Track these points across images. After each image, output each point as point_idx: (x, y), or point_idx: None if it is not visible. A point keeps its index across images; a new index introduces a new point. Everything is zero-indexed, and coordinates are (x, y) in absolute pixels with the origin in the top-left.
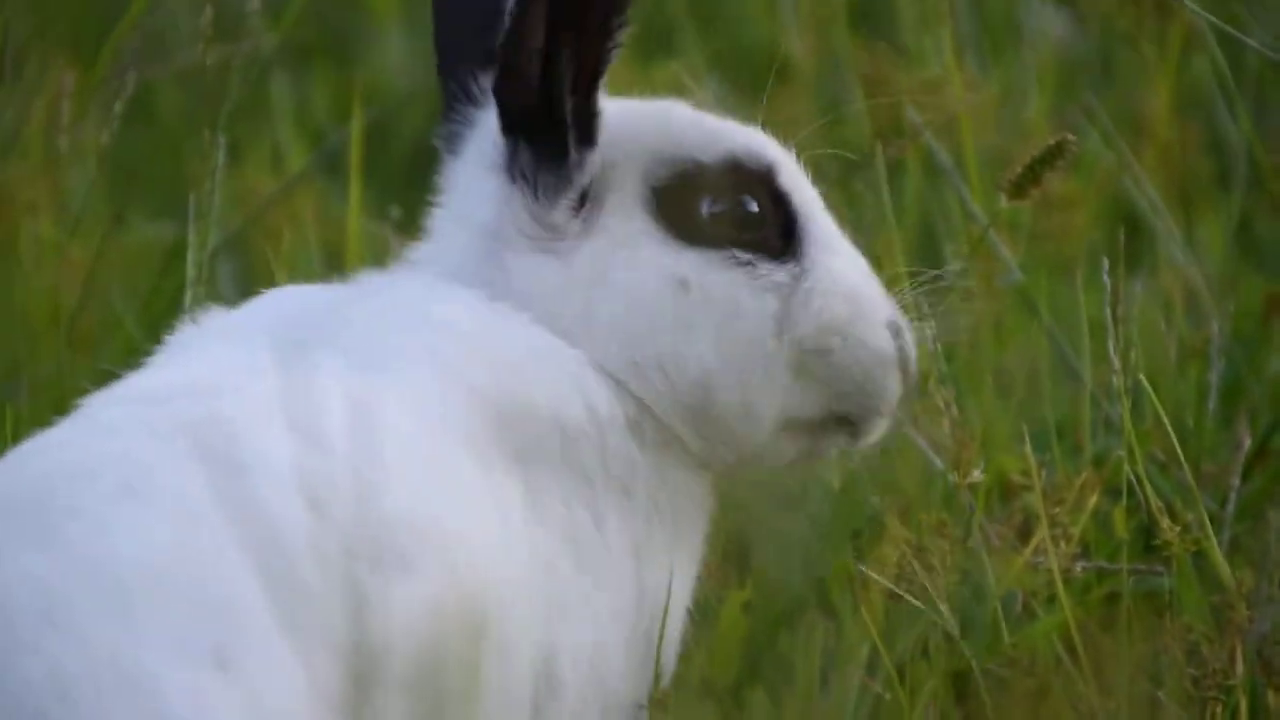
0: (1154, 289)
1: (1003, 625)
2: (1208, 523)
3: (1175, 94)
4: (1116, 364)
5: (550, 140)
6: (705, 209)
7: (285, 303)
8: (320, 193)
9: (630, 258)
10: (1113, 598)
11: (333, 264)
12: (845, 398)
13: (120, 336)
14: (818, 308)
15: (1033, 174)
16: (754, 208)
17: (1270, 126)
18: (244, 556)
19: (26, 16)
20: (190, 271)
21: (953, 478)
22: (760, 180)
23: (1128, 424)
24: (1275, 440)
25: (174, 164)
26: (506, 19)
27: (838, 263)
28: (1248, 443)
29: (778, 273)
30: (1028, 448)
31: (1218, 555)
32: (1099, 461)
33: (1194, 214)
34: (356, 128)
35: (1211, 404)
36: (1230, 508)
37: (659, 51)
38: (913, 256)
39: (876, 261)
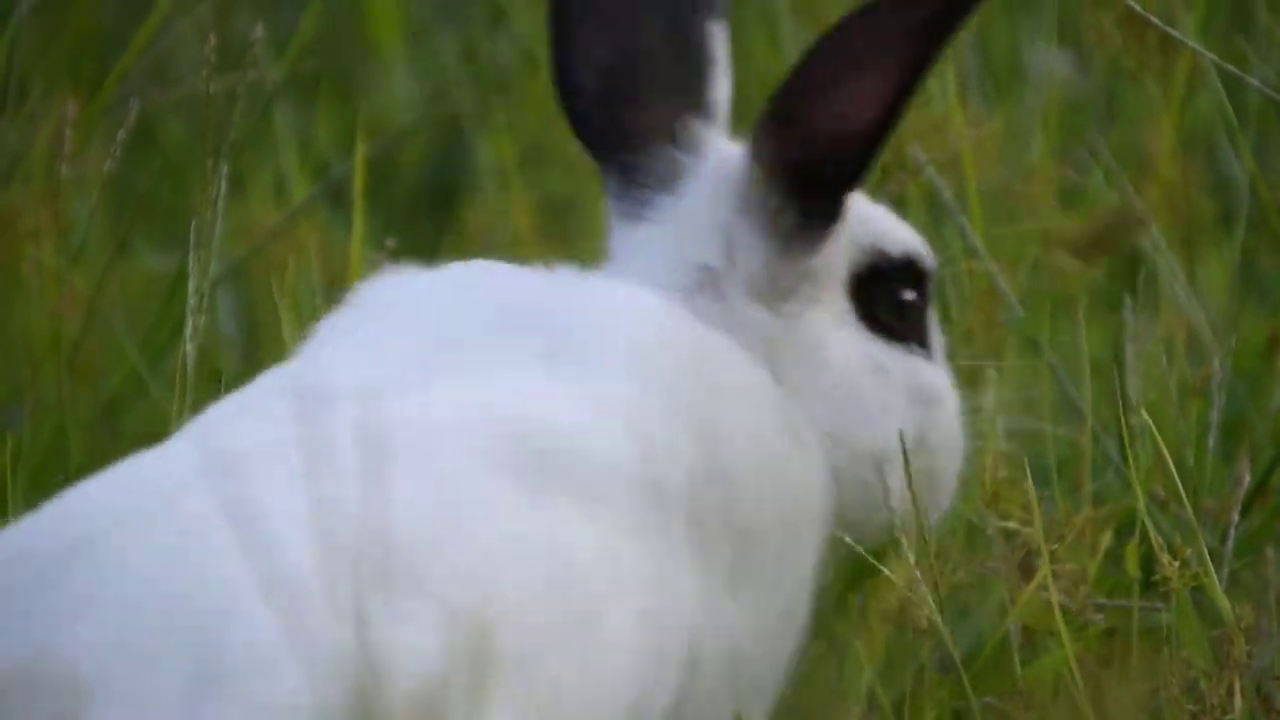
0: (1156, 326)
1: (1015, 657)
2: (1207, 558)
3: (1179, 132)
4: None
5: (821, 204)
6: (884, 300)
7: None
8: (323, 224)
9: (843, 337)
10: (1111, 632)
11: (335, 295)
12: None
13: (122, 365)
14: (948, 411)
15: (1103, 242)
16: (911, 298)
17: (1273, 165)
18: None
19: (30, 44)
20: (191, 300)
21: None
22: (924, 279)
23: (1131, 466)
24: (1275, 477)
25: (177, 193)
26: (810, 74)
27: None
28: (1248, 479)
29: (934, 365)
30: (1029, 483)
31: (1217, 591)
32: (1099, 499)
33: (1196, 252)
34: (360, 159)
35: (1212, 441)
36: (1230, 544)
37: None
38: None
39: None
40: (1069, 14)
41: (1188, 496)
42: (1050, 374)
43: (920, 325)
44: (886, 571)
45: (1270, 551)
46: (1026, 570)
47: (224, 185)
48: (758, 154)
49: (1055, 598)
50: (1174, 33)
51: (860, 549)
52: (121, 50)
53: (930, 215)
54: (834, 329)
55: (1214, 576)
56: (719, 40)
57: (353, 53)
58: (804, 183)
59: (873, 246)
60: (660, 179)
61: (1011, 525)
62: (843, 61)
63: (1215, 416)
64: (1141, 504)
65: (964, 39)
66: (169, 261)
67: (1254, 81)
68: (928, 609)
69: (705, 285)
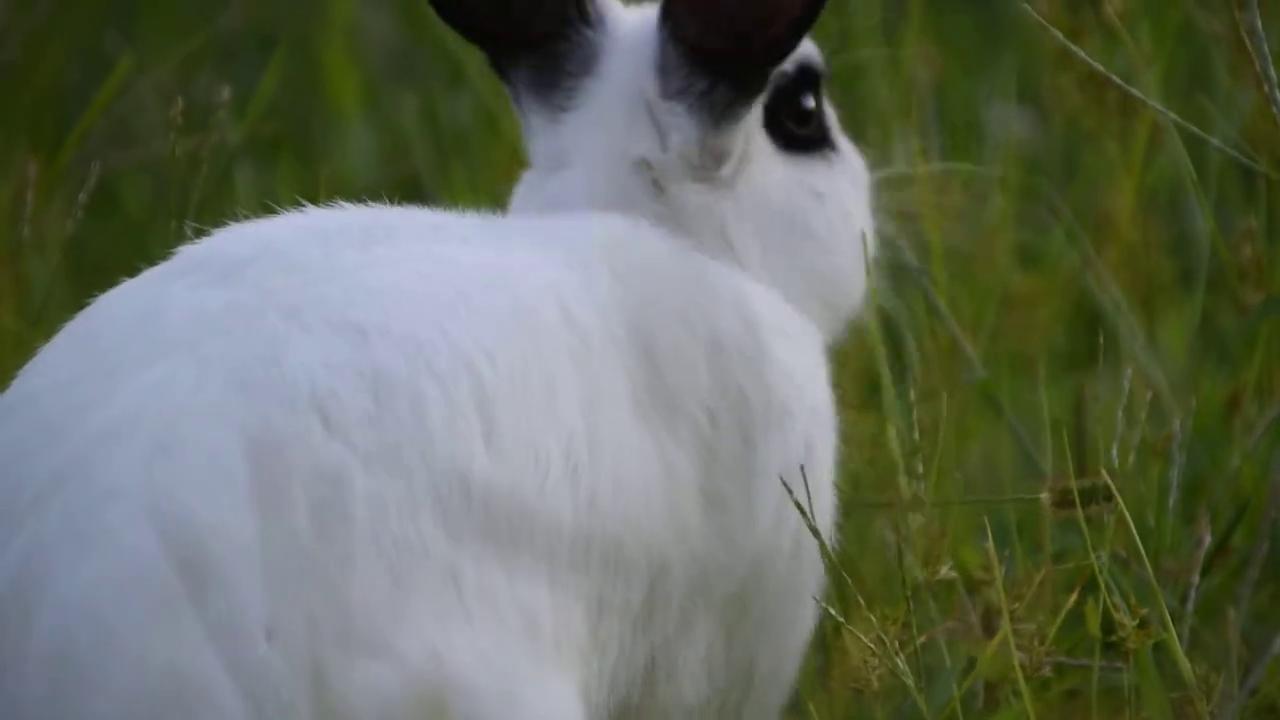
0: (1116, 386)
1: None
2: (1168, 619)
3: (1139, 192)
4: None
5: (753, 73)
6: (789, 116)
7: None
8: None
9: (778, 178)
10: (1073, 693)
11: None
12: None
13: None
14: (862, 191)
15: (1076, 499)
16: (811, 104)
17: (1234, 225)
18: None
19: None
20: None
21: (920, 574)
22: (816, 81)
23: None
24: (1236, 537)
25: (138, 254)
26: None
27: (849, 145)
28: (1208, 539)
29: (839, 161)
30: (990, 543)
31: (1178, 651)
32: (1060, 558)
33: (1156, 312)
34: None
35: (1173, 501)
36: (1191, 604)
37: None
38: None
39: (845, 356)
40: (1029, 74)
41: (1148, 556)
42: (1011, 433)
43: (824, 124)
44: (851, 630)
45: (1231, 612)
46: (988, 628)
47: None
48: (678, 37)
49: (1015, 656)
50: (1135, 92)
51: (824, 607)
52: (82, 111)
53: (891, 275)
54: (768, 174)
55: (1175, 636)
56: None
57: (313, 114)
58: (733, 64)
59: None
60: (578, 64)
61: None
62: None
63: (1175, 476)
64: (1101, 563)
65: (924, 98)
66: None
67: (1214, 141)
68: (887, 669)
69: (644, 179)
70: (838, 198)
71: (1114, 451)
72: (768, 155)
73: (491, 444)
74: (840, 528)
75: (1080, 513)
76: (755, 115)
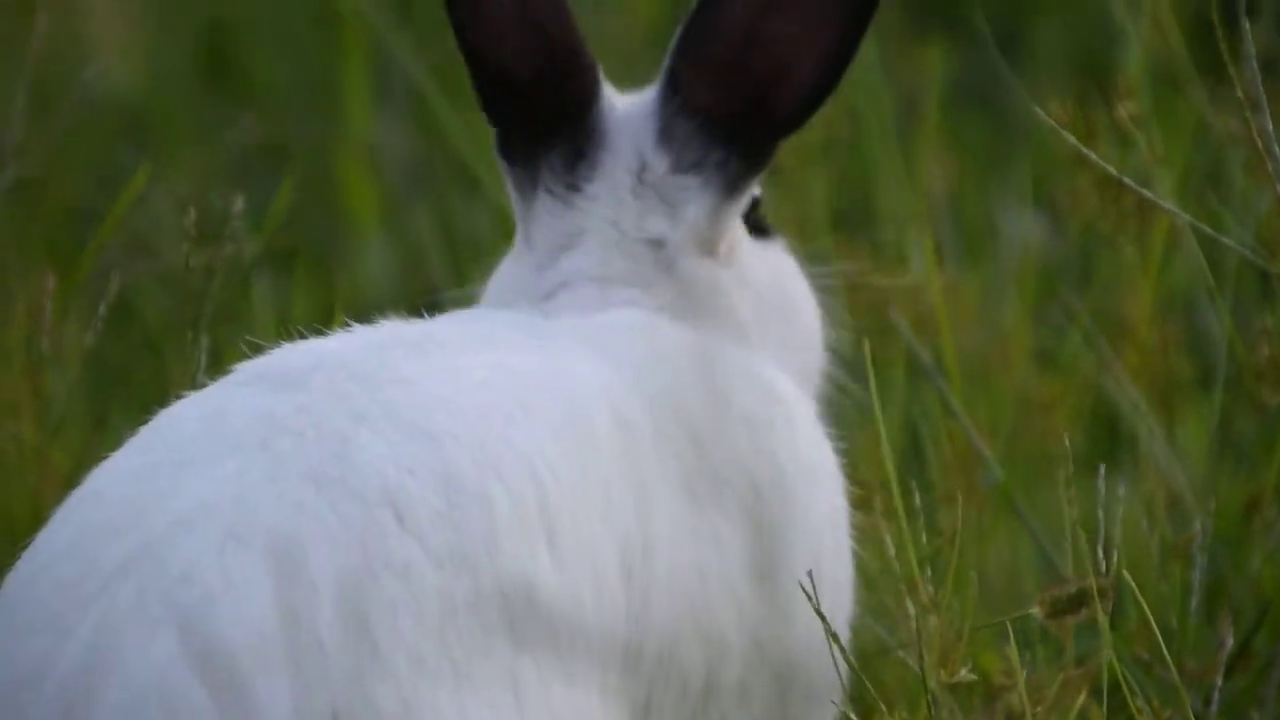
0: (1136, 488)
1: None
2: None
3: (1156, 294)
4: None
5: (764, 146)
6: (753, 205)
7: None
8: None
9: (760, 257)
10: None
11: None
12: None
13: None
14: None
15: (1067, 606)
16: (758, 191)
17: (1251, 326)
18: None
19: (8, 218)
20: None
21: (938, 677)
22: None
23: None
24: (1258, 640)
25: (156, 367)
26: (741, 26)
27: None
28: (1230, 642)
29: (780, 244)
30: (1011, 646)
31: None
32: (1082, 661)
33: (1175, 414)
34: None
35: (1194, 603)
36: (1214, 707)
37: None
38: (897, 454)
39: (858, 459)
40: (1044, 177)
41: (1171, 659)
42: (1030, 536)
43: (761, 213)
44: None
45: (1254, 715)
46: None
47: (203, 359)
48: (690, 108)
49: None
50: (1150, 195)
51: (844, 712)
52: (99, 224)
53: (908, 378)
54: (750, 253)
55: None
56: None
57: (329, 225)
58: (747, 133)
59: None
60: (590, 146)
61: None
62: (768, 5)
63: (1197, 578)
64: (1122, 666)
65: (939, 202)
66: None
67: (1230, 243)
68: None
69: (655, 257)
70: (796, 277)
71: (1110, 555)
72: (744, 236)
73: (554, 550)
74: (854, 629)
75: (1070, 620)
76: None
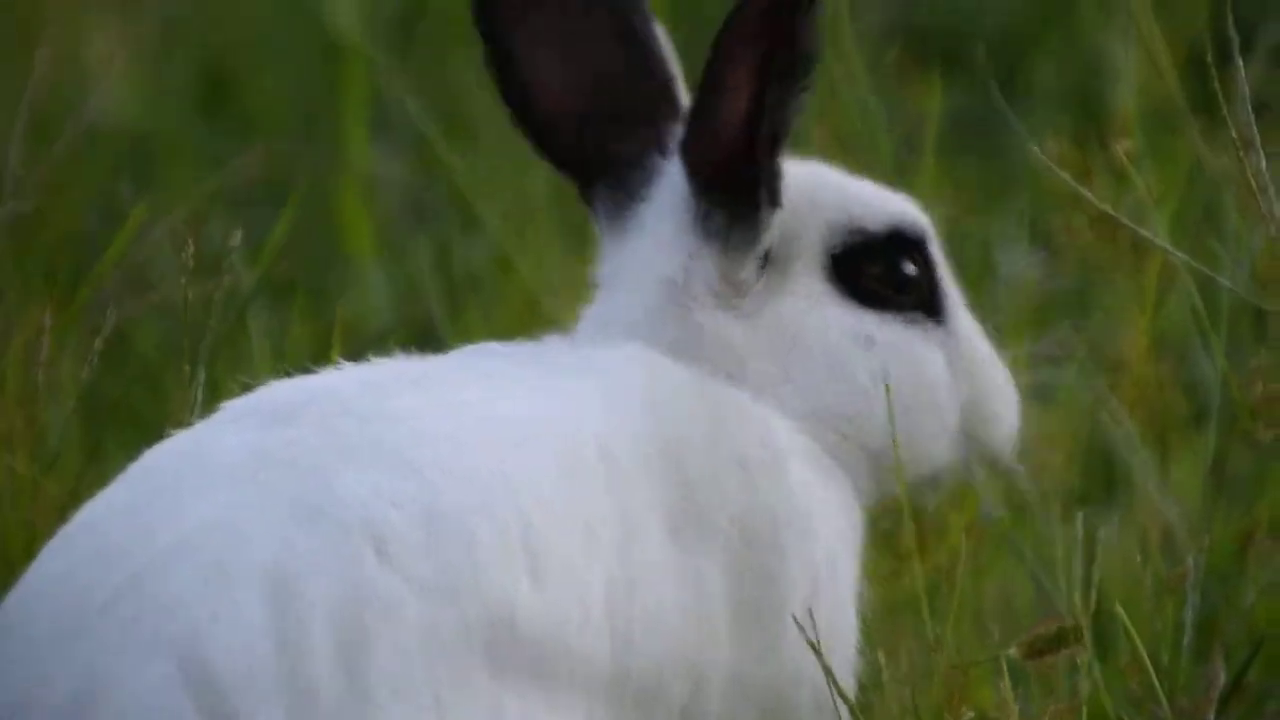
0: (1130, 525)
1: None
2: None
3: (1151, 332)
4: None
5: (742, 200)
6: (874, 273)
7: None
8: None
9: (820, 318)
10: None
11: None
12: (975, 449)
13: None
14: (970, 370)
15: (1046, 646)
16: (912, 271)
17: (1245, 364)
18: None
19: (4, 250)
20: None
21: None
22: (916, 246)
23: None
24: (1251, 676)
25: (152, 400)
26: (705, 76)
27: (972, 331)
28: (1223, 678)
29: (938, 333)
30: (1005, 682)
31: None
32: (1074, 697)
33: (1170, 449)
34: (335, 364)
35: (1187, 640)
36: None
37: None
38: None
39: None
40: (1040, 214)
41: (1163, 695)
42: (1026, 572)
43: (929, 291)
44: None
45: None
46: None
47: (200, 391)
48: (684, 161)
49: None
50: (1145, 233)
51: None
52: (96, 257)
53: None
54: (808, 313)
55: None
56: (665, 39)
57: (326, 258)
58: (720, 183)
59: (849, 225)
60: (645, 189)
61: None
62: (720, 60)
63: (1190, 615)
64: (1113, 703)
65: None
66: None
67: (1225, 281)
68: None
69: (670, 299)
70: (903, 356)
71: (1089, 592)
72: (818, 296)
73: (537, 582)
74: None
75: (1055, 659)
76: (809, 256)
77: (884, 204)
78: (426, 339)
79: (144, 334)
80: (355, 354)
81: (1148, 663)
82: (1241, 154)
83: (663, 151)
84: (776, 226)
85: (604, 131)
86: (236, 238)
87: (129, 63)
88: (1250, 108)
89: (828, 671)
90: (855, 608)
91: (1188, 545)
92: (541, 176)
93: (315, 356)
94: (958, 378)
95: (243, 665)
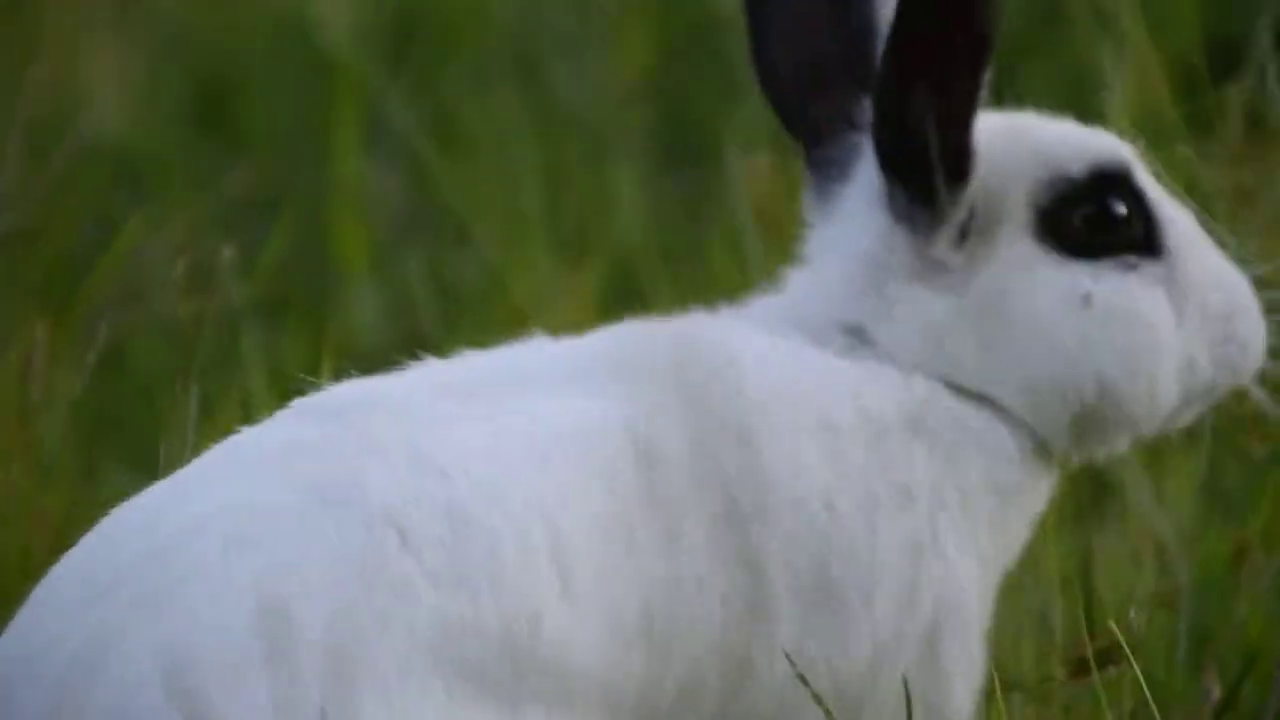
0: (1123, 540)
1: None
2: None
3: None
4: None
5: (923, 180)
6: (1081, 220)
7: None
8: None
9: (1029, 283)
10: None
11: None
12: (1222, 373)
13: None
14: (1199, 299)
15: (1088, 664)
16: (1122, 210)
17: None
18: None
19: (0, 264)
20: None
21: None
22: (1122, 181)
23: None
24: (1244, 690)
25: (147, 415)
26: (884, 60)
27: (1201, 253)
28: (1217, 692)
29: (1157, 269)
30: (998, 698)
31: None
32: (1069, 710)
33: (1162, 463)
34: (327, 380)
35: (1180, 653)
36: None
37: (634, 301)
38: None
39: None
40: None
41: (1157, 709)
42: (1019, 587)
43: (1142, 227)
44: None
45: None
46: None
47: (194, 407)
48: (873, 143)
49: None
50: None
51: None
52: (90, 272)
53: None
54: (1016, 278)
55: None
56: (883, 12)
57: (319, 273)
58: (898, 164)
59: (1051, 177)
60: (841, 168)
61: None
62: (898, 44)
63: (1183, 629)
64: (1109, 713)
65: None
66: (139, 484)
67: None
68: None
69: (865, 273)
70: (1119, 307)
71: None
72: (1027, 258)
73: (567, 595)
74: None
75: (1097, 678)
76: (1012, 219)
77: (1082, 145)
78: (419, 355)
79: (138, 349)
80: (347, 370)
81: (1141, 677)
82: (1233, 168)
83: (855, 124)
84: (968, 200)
85: (820, 106)
86: (230, 253)
87: (123, 80)
88: (1241, 122)
89: (818, 699)
90: (984, 587)
91: (1181, 559)
92: (533, 192)
93: (306, 372)
94: (1185, 311)
95: (230, 640)
